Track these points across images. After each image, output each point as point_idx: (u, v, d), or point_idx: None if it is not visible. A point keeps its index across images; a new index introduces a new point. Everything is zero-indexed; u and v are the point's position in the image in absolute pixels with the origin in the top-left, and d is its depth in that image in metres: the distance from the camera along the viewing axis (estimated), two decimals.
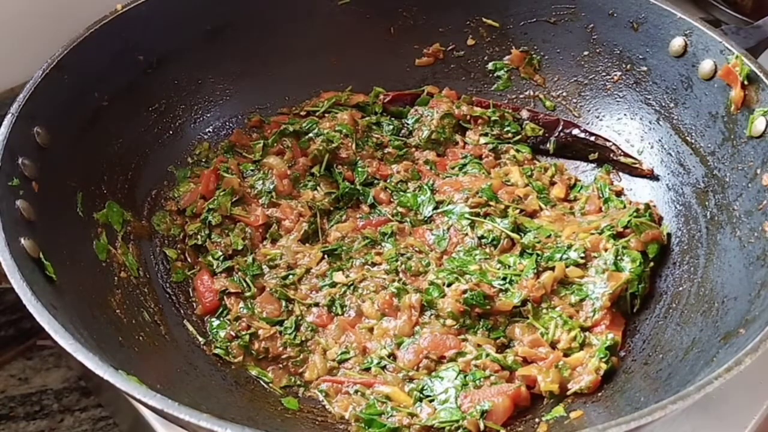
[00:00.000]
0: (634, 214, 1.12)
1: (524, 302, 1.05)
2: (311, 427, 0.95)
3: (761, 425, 1.03)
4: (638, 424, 0.66)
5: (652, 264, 1.10)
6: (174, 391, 0.86)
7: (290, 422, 0.94)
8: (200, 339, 1.06)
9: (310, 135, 1.27)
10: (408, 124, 1.36)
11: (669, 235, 1.13)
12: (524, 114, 1.35)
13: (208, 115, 1.30)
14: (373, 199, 1.24)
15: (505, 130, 1.34)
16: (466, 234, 1.16)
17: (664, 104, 1.21)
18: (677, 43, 1.16)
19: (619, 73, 1.27)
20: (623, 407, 0.89)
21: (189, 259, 1.17)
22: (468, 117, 1.34)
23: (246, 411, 0.93)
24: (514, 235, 1.13)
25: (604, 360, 0.98)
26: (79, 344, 0.72)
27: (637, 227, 1.10)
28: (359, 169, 1.26)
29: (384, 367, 1.03)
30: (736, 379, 0.94)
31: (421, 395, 0.98)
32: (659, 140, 1.21)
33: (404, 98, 1.38)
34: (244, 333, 1.06)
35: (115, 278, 1.03)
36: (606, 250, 1.09)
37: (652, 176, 1.22)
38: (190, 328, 1.07)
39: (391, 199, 1.24)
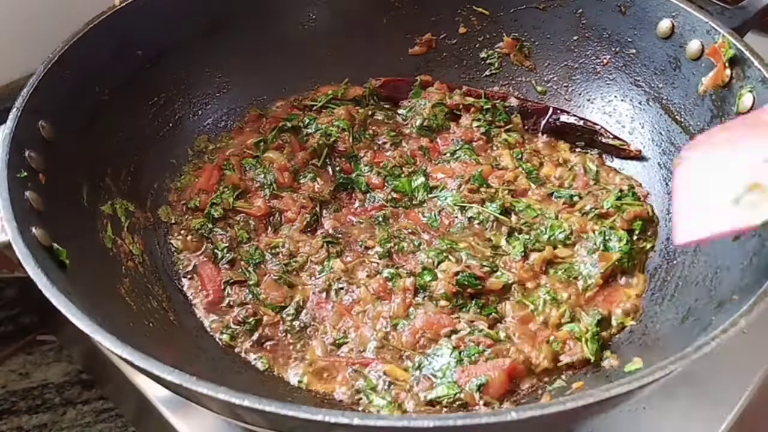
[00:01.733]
0: (618, 194, 1.16)
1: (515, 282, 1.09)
2: (319, 404, 0.97)
3: (749, 405, 1.06)
4: (639, 383, 0.68)
5: (644, 243, 1.13)
6: (185, 373, 0.88)
7: (300, 399, 0.96)
8: (208, 325, 1.08)
9: (309, 131, 1.30)
10: (402, 114, 1.38)
11: (653, 214, 1.17)
12: (513, 102, 1.37)
13: (207, 108, 1.32)
14: (366, 185, 1.26)
15: (497, 118, 1.36)
16: (456, 217, 1.19)
17: (653, 85, 1.23)
18: (664, 24, 1.19)
19: (608, 56, 1.30)
20: (623, 375, 0.91)
21: (193, 249, 1.18)
22: (460, 106, 1.37)
23: (256, 390, 0.94)
24: (503, 218, 1.16)
25: (594, 335, 1.01)
26: (97, 326, 0.73)
27: (619, 208, 1.14)
28: (359, 166, 1.28)
29: (382, 347, 1.05)
30: (725, 360, 0.99)
31: (419, 372, 1.00)
32: (650, 120, 1.24)
33: (398, 84, 1.41)
34: (250, 319, 1.08)
35: (123, 267, 1.05)
36: (593, 231, 1.12)
37: (640, 157, 1.25)
38: (198, 314, 1.09)
39: (385, 184, 1.27)
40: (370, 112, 1.37)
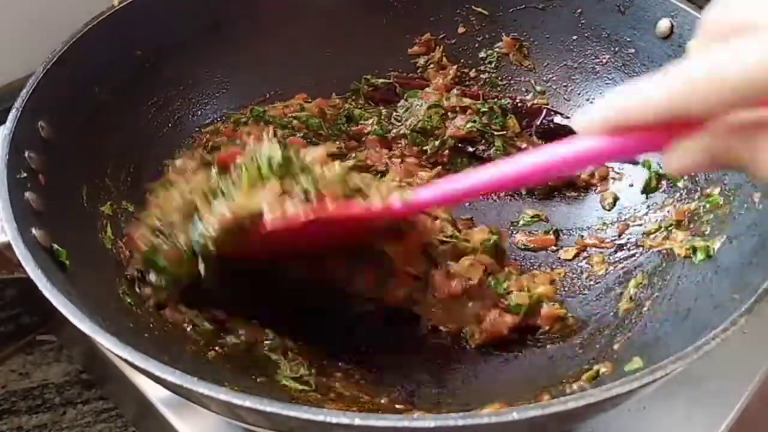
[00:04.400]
0: None
1: None
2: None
3: (749, 405, 1.06)
4: (640, 383, 0.68)
5: None
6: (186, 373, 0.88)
7: (302, 400, 0.96)
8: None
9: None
10: (398, 114, 1.38)
11: None
12: (506, 102, 1.38)
13: (207, 108, 1.32)
14: None
15: (492, 121, 1.36)
16: None
17: None
18: (664, 24, 1.19)
19: (607, 56, 1.30)
20: (623, 375, 0.91)
21: None
22: (456, 108, 1.36)
23: (257, 390, 0.95)
24: None
25: None
26: (97, 326, 0.73)
27: None
28: None
29: None
30: (725, 360, 1.00)
31: None
32: None
33: (400, 84, 1.42)
34: None
35: (122, 268, 1.04)
36: None
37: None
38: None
39: None
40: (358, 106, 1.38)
